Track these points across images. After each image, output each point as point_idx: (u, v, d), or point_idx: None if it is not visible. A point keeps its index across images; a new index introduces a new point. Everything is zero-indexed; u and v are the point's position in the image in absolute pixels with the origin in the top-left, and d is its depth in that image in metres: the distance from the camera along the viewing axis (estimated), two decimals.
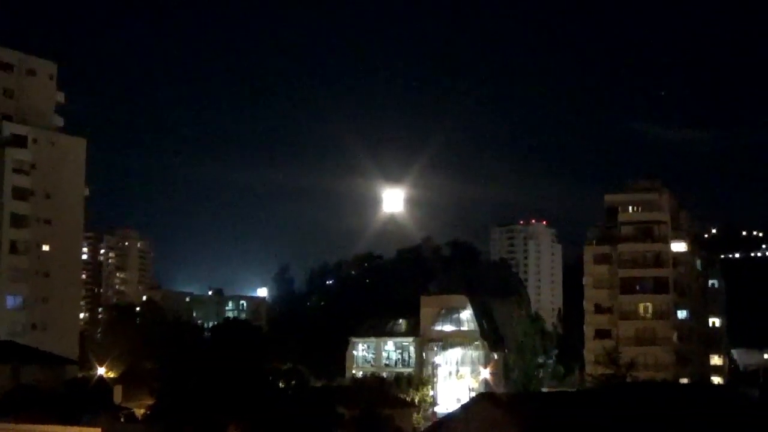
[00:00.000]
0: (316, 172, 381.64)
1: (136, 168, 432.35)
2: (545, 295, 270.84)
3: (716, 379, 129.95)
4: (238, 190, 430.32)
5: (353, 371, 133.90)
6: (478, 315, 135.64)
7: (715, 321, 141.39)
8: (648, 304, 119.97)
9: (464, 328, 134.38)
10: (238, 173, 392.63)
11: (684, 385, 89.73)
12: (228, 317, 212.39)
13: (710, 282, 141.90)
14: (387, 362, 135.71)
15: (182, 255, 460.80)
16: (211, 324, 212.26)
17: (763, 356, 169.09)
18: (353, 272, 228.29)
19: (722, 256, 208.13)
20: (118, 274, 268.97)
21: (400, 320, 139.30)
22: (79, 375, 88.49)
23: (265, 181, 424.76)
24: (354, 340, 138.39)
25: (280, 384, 78.82)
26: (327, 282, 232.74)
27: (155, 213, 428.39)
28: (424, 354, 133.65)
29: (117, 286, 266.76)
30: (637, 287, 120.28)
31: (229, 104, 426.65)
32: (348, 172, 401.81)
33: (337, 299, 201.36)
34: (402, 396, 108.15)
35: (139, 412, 76.92)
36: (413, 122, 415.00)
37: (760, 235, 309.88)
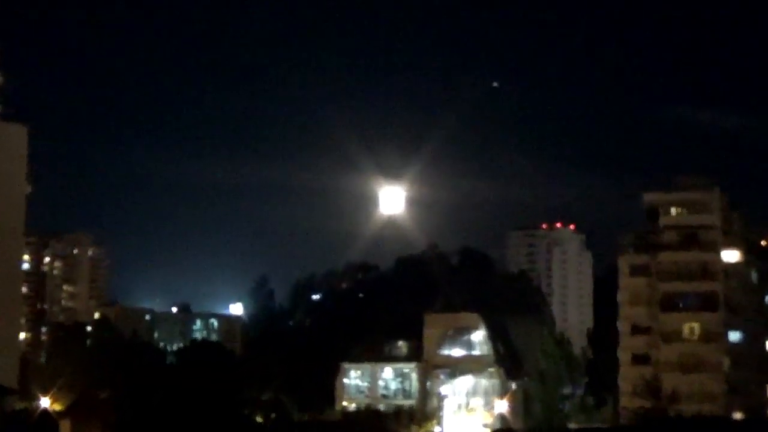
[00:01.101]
0: (300, 168, 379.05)
1: (88, 162, 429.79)
2: (572, 312, 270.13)
3: None
4: (208, 189, 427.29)
5: (345, 403, 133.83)
6: (493, 336, 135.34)
7: None
8: (694, 324, 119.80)
9: (476, 352, 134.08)
10: (210, 169, 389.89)
11: (737, 421, 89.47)
12: (196, 338, 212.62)
13: None
14: (384, 392, 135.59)
15: (142, 265, 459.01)
16: (175, 346, 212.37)
17: None
18: (345, 285, 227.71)
19: None
20: (65, 287, 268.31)
21: (400, 342, 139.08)
22: (20, 407, 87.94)
23: (241, 178, 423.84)
24: (346, 366, 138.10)
25: (258, 418, 78.58)
26: (313, 297, 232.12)
27: (111, 215, 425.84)
28: (428, 383, 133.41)
29: (64, 302, 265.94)
30: (681, 304, 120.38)
31: (202, 90, 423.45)
32: (338, 167, 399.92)
33: (325, 317, 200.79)
34: None
35: None
36: (415, 110, 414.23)
37: None
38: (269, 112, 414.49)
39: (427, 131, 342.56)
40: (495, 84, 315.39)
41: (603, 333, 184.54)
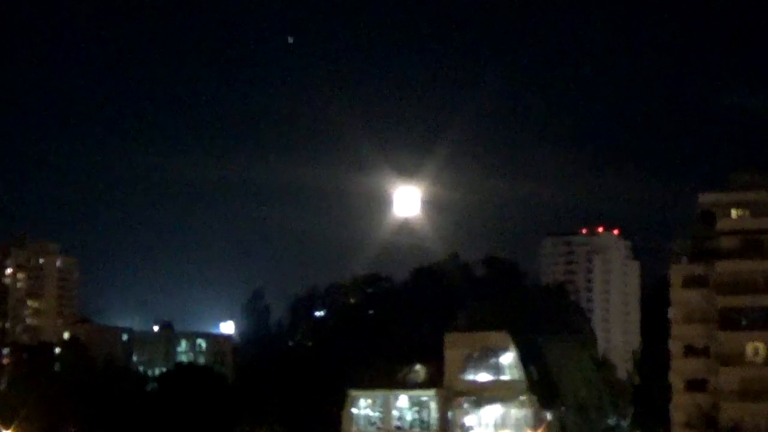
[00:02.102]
0: (302, 166, 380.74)
1: (55, 160, 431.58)
2: (616, 331, 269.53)
3: None
4: (194, 191, 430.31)
5: None
6: (525, 359, 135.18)
7: None
8: (758, 344, 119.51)
9: (505, 377, 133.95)
10: (196, 168, 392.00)
11: None
12: (181, 362, 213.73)
13: None
14: (399, 424, 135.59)
15: (117, 277, 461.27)
16: (157, 371, 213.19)
17: None
18: (352, 300, 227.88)
19: None
20: (29, 303, 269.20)
21: (417, 366, 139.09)
22: None
23: (233, 178, 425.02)
24: (354, 393, 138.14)
25: None
26: (316, 313, 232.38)
27: (82, 220, 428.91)
28: (449, 413, 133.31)
29: (28, 319, 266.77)
30: (744, 321, 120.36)
31: (188, 82, 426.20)
32: (346, 165, 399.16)
33: (330, 337, 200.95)
34: None
35: None
36: (432, 101, 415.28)
37: None
38: (266, 103, 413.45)
39: (446, 125, 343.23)
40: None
41: (652, 355, 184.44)
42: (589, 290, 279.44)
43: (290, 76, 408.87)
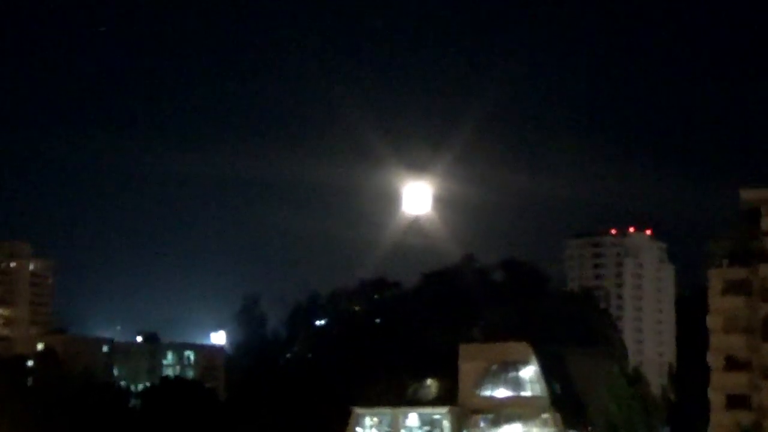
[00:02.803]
0: (302, 161, 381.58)
1: (29, 155, 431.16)
2: (649, 342, 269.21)
3: None
4: (184, 188, 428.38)
5: None
6: (547, 373, 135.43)
7: None
8: None
9: (526, 393, 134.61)
10: (186, 164, 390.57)
11: None
12: (167, 376, 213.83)
13: None
14: None
15: (98, 282, 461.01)
16: (141, 386, 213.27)
17: None
18: (357, 308, 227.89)
19: None
20: (0, 311, 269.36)
21: (428, 381, 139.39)
22: None
23: (226, 174, 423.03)
24: (358, 411, 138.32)
25: None
26: (317, 322, 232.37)
27: (58, 220, 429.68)
28: None
29: None
30: None
31: (176, 73, 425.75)
32: (351, 159, 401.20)
33: (332, 348, 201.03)
34: None
35: None
36: (444, 91, 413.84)
37: None
38: (261, 93, 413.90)
39: (459, 115, 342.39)
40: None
41: (689, 368, 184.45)
42: (620, 297, 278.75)
43: (288, 63, 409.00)
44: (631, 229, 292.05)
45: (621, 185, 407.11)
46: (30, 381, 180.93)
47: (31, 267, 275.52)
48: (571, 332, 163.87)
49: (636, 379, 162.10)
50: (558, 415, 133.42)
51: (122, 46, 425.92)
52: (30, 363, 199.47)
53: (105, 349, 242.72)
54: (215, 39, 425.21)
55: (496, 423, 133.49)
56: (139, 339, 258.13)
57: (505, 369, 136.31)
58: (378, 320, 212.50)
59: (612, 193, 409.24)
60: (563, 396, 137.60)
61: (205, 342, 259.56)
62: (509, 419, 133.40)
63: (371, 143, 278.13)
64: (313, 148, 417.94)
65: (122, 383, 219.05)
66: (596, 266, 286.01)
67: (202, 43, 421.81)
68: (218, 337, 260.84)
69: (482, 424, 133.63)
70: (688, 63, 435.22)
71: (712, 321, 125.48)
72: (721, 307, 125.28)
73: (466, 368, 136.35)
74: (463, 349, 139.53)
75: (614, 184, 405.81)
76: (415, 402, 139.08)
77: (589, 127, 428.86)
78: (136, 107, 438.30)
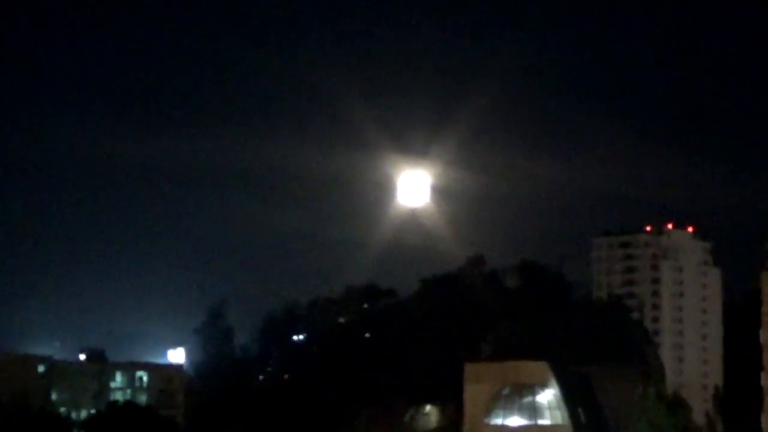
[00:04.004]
0: (280, 147, 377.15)
1: None
2: (691, 360, 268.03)
3: None
4: (135, 179, 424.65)
5: None
6: (570, 397, 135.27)
7: None
8: None
9: (544, 421, 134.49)
10: (137, 150, 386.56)
11: None
12: (115, 401, 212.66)
13: None
14: None
15: (32, 291, 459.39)
16: (85, 412, 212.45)
17: None
18: (343, 320, 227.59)
19: None
20: None
21: (428, 407, 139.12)
22: None
23: (187, 161, 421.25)
24: None
25: None
26: (295, 337, 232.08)
27: None
28: None
29: None
30: None
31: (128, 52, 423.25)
32: (338, 145, 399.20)
33: (313, 368, 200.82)
34: None
35: None
36: (445, 68, 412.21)
37: None
38: (227, 66, 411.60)
39: (463, 93, 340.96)
40: None
41: (738, 391, 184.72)
42: (656, 306, 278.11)
43: (266, 32, 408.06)
44: (669, 226, 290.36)
45: (657, 174, 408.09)
46: None
47: None
48: (598, 349, 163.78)
49: (676, 404, 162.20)
50: None
51: (79, 28, 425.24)
52: None
53: (41, 369, 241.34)
54: (197, 22, 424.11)
55: None
56: (82, 357, 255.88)
57: (520, 393, 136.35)
58: (368, 334, 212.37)
59: (646, 183, 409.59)
60: (589, 424, 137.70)
61: (161, 361, 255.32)
62: None
63: (361, 126, 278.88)
64: (293, 132, 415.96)
65: (62, 410, 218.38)
66: (628, 270, 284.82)
67: (180, 24, 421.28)
68: (177, 355, 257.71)
69: None
70: (742, 37, 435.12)
71: (766, 336, 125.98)
72: None
73: (473, 392, 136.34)
74: (470, 368, 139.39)
75: (649, 172, 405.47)
76: (412, 430, 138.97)
77: (618, 105, 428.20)
78: (76, 87, 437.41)
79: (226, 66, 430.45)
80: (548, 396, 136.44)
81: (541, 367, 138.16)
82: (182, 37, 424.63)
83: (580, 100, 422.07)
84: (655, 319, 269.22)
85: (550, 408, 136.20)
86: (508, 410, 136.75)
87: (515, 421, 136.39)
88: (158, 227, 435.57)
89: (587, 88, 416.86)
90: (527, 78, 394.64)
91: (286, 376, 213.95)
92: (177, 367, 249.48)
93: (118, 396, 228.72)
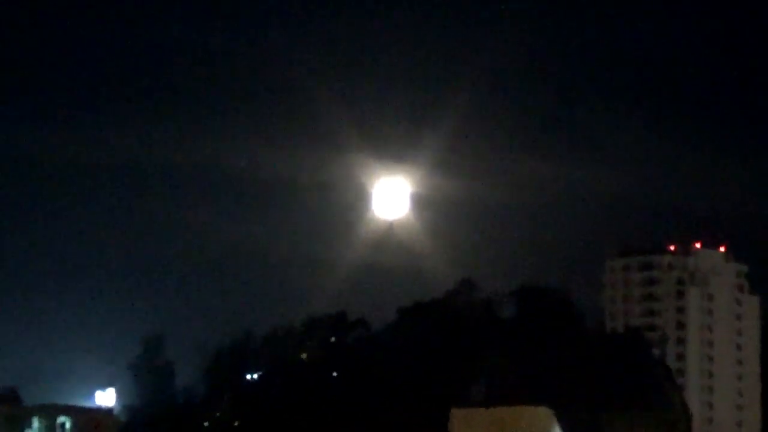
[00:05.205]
0: (231, 149, 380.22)
1: None
2: (723, 403, 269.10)
3: None
4: (56, 179, 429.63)
5: None
6: None
7: None
8: None
9: None
10: (61, 146, 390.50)
11: None
12: None
13: None
14: None
15: None
16: None
17: None
18: (305, 355, 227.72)
19: None
20: None
21: None
22: None
23: (120, 163, 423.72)
24: None
25: None
26: (248, 376, 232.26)
27: None
28: None
29: None
30: None
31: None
32: (302, 147, 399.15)
33: (270, 413, 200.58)
34: None
35: None
36: (432, 54, 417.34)
37: None
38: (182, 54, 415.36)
39: (448, 88, 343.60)
40: None
41: None
42: (681, 341, 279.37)
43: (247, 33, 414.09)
44: (698, 245, 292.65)
45: (683, 184, 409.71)
46: None
47: None
48: (611, 391, 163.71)
49: None
50: None
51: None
52: None
53: None
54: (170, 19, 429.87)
55: None
56: None
57: None
58: (335, 373, 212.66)
59: (670, 194, 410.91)
60: None
61: (87, 404, 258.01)
62: None
63: (330, 125, 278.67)
64: (247, 130, 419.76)
65: None
66: (648, 297, 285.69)
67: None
68: (106, 397, 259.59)
69: None
70: None
71: None
72: None
73: None
74: (457, 414, 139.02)
75: (674, 182, 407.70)
76: None
77: (634, 100, 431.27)
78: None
79: (187, 64, 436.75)
80: None
81: (542, 412, 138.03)
82: (151, 33, 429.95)
83: (586, 93, 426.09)
84: (680, 357, 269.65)
85: None
86: None
87: None
88: (88, 246, 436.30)
89: (594, 79, 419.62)
90: (521, 70, 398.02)
91: (236, 423, 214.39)
92: (106, 411, 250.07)
93: None
